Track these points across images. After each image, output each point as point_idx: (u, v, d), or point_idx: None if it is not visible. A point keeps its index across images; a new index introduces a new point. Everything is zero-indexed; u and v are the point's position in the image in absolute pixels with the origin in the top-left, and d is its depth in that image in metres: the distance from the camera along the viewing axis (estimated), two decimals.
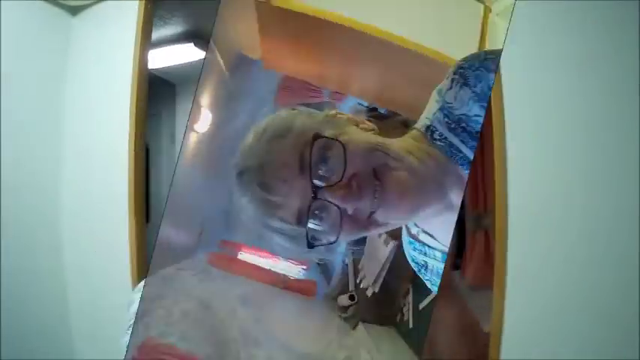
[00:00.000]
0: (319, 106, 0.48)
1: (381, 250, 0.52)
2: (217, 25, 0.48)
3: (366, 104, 0.50)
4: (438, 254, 0.50)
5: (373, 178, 0.44)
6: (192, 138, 0.51)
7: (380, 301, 0.53)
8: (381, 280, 0.52)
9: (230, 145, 0.50)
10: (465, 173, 0.49)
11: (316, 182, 0.44)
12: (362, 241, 0.53)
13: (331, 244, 0.45)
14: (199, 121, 0.50)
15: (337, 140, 0.44)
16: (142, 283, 0.66)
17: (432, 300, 0.50)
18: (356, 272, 0.53)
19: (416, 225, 0.53)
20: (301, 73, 0.49)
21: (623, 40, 1.20)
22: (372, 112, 0.50)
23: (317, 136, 0.44)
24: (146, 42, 1.58)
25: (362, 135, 0.48)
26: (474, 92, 0.48)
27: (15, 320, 1.46)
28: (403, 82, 0.52)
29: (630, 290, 1.13)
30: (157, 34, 1.66)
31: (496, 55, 0.50)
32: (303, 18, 0.50)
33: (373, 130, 0.48)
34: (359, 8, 0.51)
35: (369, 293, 0.52)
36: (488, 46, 0.51)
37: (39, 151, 1.67)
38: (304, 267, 0.52)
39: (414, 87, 0.51)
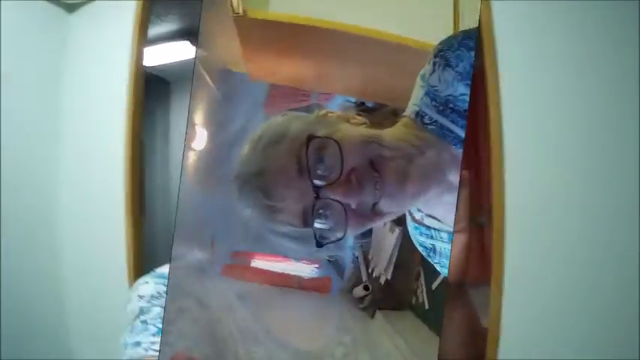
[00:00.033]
0: (309, 109, 0.50)
1: (388, 239, 0.54)
2: (200, 45, 0.49)
3: (353, 100, 0.51)
4: (444, 235, 0.52)
5: (371, 170, 0.45)
6: (192, 156, 0.52)
7: (394, 287, 0.54)
8: (392, 267, 0.53)
9: (229, 159, 0.52)
10: (460, 152, 0.51)
11: (316, 182, 0.45)
12: (368, 233, 0.54)
13: (339, 240, 0.47)
14: (196, 139, 0.51)
15: (331, 139, 0.45)
16: (140, 281, 0.69)
17: (444, 280, 0.51)
18: (367, 263, 0.54)
19: (419, 210, 0.54)
20: (287, 79, 0.50)
21: (623, 40, 1.21)
22: (361, 107, 0.51)
23: (311, 137, 0.46)
24: (143, 40, 1.58)
25: (354, 130, 0.49)
26: (457, 72, 0.49)
27: (13, 320, 1.46)
28: (385, 73, 0.53)
29: (630, 290, 1.14)
30: (152, 32, 1.66)
31: (473, 33, 0.52)
32: (281, 26, 0.51)
33: (364, 123, 0.50)
34: (333, 9, 0.52)
35: (382, 281, 0.53)
36: (463, 27, 0.52)
37: (36, 149, 1.66)
38: (316, 265, 0.53)
39: (397, 76, 0.53)
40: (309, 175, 0.44)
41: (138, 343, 0.58)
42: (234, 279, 0.56)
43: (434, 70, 0.50)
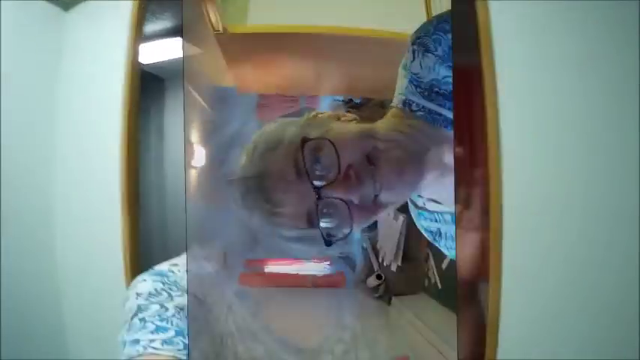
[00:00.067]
0: (299, 113, 0.51)
1: (394, 227, 0.55)
2: (186, 66, 0.51)
3: (341, 98, 0.52)
4: (448, 217, 0.52)
5: (368, 164, 0.46)
6: (193, 173, 0.54)
7: (405, 272, 0.55)
8: (401, 253, 0.54)
9: (229, 172, 0.53)
10: (450, 133, 0.51)
11: (316, 183, 0.46)
12: (374, 225, 0.56)
13: (347, 236, 0.48)
14: (194, 157, 0.53)
15: (325, 139, 0.46)
16: (138, 278, 0.67)
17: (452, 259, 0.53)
18: (376, 253, 0.55)
19: (420, 196, 0.55)
20: (274, 87, 0.51)
21: (623, 40, 1.20)
22: (349, 104, 0.52)
23: (305, 140, 0.47)
24: (139, 38, 1.57)
25: (346, 127, 0.50)
26: (436, 56, 0.50)
27: (11, 320, 1.44)
28: (368, 68, 0.54)
29: (630, 290, 1.13)
30: (147, 29, 1.64)
31: (447, 16, 0.53)
32: (262, 37, 0.52)
33: (355, 119, 0.51)
34: (309, 14, 0.53)
35: (393, 268, 0.54)
36: (436, 12, 0.53)
37: (31, 148, 1.63)
38: (328, 263, 0.54)
39: (380, 69, 0.54)
40: (308, 177, 0.45)
41: (136, 341, 0.56)
42: (252, 286, 0.57)
43: (414, 58, 0.51)
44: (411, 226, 0.55)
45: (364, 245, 0.53)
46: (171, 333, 0.57)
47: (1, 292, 1.45)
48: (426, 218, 0.54)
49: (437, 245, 0.53)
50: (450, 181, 0.50)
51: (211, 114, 0.53)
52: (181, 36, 0.49)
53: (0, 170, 1.51)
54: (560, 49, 1.27)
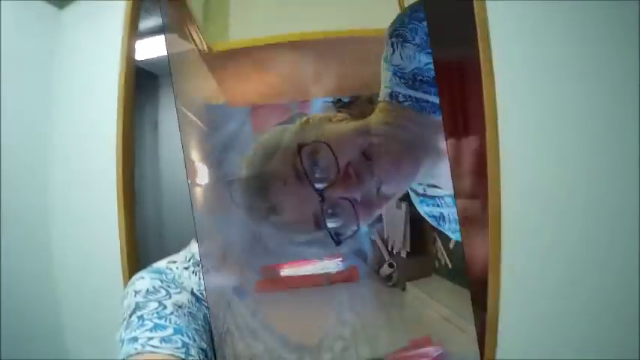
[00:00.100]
0: (292, 120, 0.53)
1: (398, 215, 0.57)
2: (177, 89, 0.52)
3: (330, 99, 0.53)
4: (448, 199, 0.54)
5: (365, 160, 0.48)
6: (198, 190, 0.55)
7: (416, 257, 0.57)
8: (408, 239, 0.56)
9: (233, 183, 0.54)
10: (439, 118, 0.53)
11: (318, 186, 0.48)
12: (379, 217, 0.57)
13: (355, 233, 0.50)
14: (198, 175, 0.54)
15: (320, 142, 0.48)
16: (136, 276, 0.67)
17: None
18: (385, 243, 0.57)
19: (420, 184, 0.57)
20: (264, 98, 0.53)
21: (623, 41, 1.22)
22: (339, 104, 0.54)
23: (301, 145, 0.48)
24: (134, 35, 1.58)
25: (339, 127, 0.52)
26: (415, 45, 0.51)
27: (10, 320, 1.45)
28: (351, 66, 0.56)
29: (630, 290, 1.15)
30: (141, 26, 1.65)
31: (419, 4, 0.54)
32: (246, 50, 0.54)
33: (346, 118, 0.52)
34: (287, 22, 0.55)
35: (403, 255, 0.56)
36: (408, 2, 0.54)
37: (27, 144, 1.65)
38: (340, 259, 0.55)
39: (363, 67, 0.56)
40: (309, 181, 0.47)
41: (134, 339, 0.56)
42: (270, 292, 0.59)
43: (394, 51, 0.52)
44: (414, 212, 0.57)
45: (372, 237, 0.55)
46: (170, 331, 0.56)
47: (0, 291, 1.44)
48: (428, 204, 0.56)
49: (441, 229, 0.54)
50: (445, 164, 0.51)
51: (207, 132, 0.54)
52: (168, 65, 0.51)
53: None
54: (560, 50, 1.28)
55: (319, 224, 0.48)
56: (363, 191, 0.47)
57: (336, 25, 0.51)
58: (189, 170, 0.53)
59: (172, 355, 0.53)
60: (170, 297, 0.62)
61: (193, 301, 0.65)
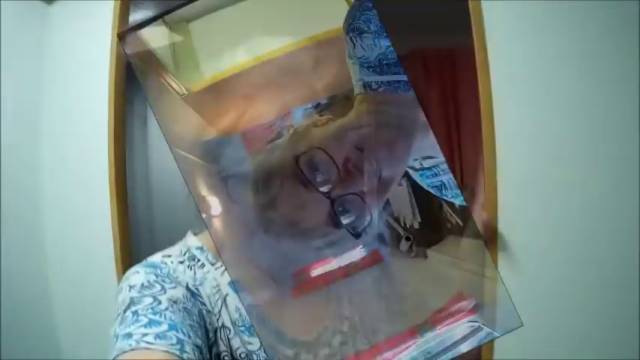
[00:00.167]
0: (280, 135, 0.56)
1: (401, 192, 0.60)
2: (167, 136, 0.55)
3: (310, 105, 0.57)
4: (444, 166, 0.57)
5: (360, 152, 0.51)
6: (216, 222, 0.58)
7: (429, 224, 0.61)
8: (417, 210, 0.59)
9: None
10: (412, 93, 0.56)
11: (323, 189, 0.51)
12: (387, 200, 0.60)
13: (371, 222, 0.53)
14: (211, 208, 0.57)
15: (313, 148, 0.51)
16: (130, 270, 0.67)
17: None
18: (397, 220, 0.61)
19: (415, 159, 0.60)
20: (250, 121, 0.56)
21: (623, 40, 1.22)
22: (318, 107, 0.57)
23: (297, 157, 0.52)
24: (123, 28, 1.56)
25: (326, 129, 0.55)
26: (372, 33, 0.53)
27: (8, 320, 1.46)
28: (321, 70, 0.59)
29: (629, 288, 1.15)
30: (131, 19, 1.63)
31: None
32: (223, 82, 0.57)
33: (330, 119, 0.56)
34: (253, 45, 0.58)
35: (416, 226, 0.60)
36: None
37: (17, 141, 1.64)
38: (361, 247, 0.59)
39: (331, 67, 0.59)
40: (315, 188, 0.50)
41: (129, 335, 0.55)
42: (306, 295, 0.62)
43: (354, 45, 0.55)
44: (415, 185, 0.60)
45: (385, 218, 0.59)
46: (165, 327, 0.56)
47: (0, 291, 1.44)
48: (427, 176, 0.59)
49: (445, 198, 0.57)
50: (430, 133, 0.54)
51: (209, 167, 0.57)
52: (154, 115, 0.54)
53: None
54: (560, 49, 1.29)
55: (335, 223, 0.51)
56: (366, 182, 0.50)
57: (297, 37, 0.54)
58: (201, 206, 0.56)
59: (167, 351, 0.53)
60: (165, 292, 0.62)
61: (188, 296, 0.65)
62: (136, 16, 1.59)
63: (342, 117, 0.54)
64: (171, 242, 0.76)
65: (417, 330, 0.55)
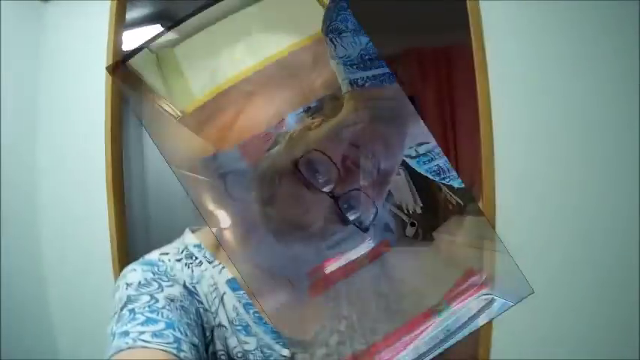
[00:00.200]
0: (276, 142, 0.57)
1: (400, 180, 0.62)
2: (166, 157, 0.56)
3: (301, 110, 0.58)
4: (437, 149, 0.58)
5: (356, 148, 0.53)
6: (227, 234, 0.60)
7: (431, 208, 0.62)
8: (417, 196, 0.61)
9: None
10: (397, 85, 0.57)
11: (326, 189, 0.53)
12: (389, 193, 0.62)
13: (376, 215, 0.54)
14: (220, 221, 0.59)
15: (310, 150, 0.53)
16: (128, 268, 0.67)
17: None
18: (400, 208, 0.63)
19: (410, 147, 0.62)
20: (246, 132, 0.57)
21: (620, 40, 1.22)
22: (309, 111, 0.59)
23: (296, 162, 0.53)
24: (120, 27, 1.56)
25: (320, 130, 0.57)
26: (350, 31, 0.54)
27: (7, 319, 1.47)
28: (306, 75, 0.61)
29: (628, 287, 1.15)
30: (128, 17, 1.63)
31: None
32: (214, 99, 0.59)
33: (323, 120, 0.57)
34: (238, 60, 0.59)
35: (418, 211, 0.62)
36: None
37: (14, 141, 1.64)
38: (369, 238, 0.60)
39: (316, 70, 0.61)
40: (317, 189, 0.52)
41: (125, 333, 0.55)
42: (323, 292, 0.63)
43: (335, 45, 0.57)
44: (412, 172, 0.62)
45: (388, 208, 0.60)
46: (162, 325, 0.56)
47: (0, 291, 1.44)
48: (424, 162, 0.60)
49: (443, 182, 0.59)
50: (421, 122, 0.56)
51: (212, 182, 0.59)
52: (152, 140, 0.55)
53: None
54: (559, 49, 1.29)
55: (342, 220, 0.53)
56: (366, 177, 0.52)
57: (284, 43, 0.56)
58: (209, 221, 0.58)
59: (164, 350, 0.53)
60: (162, 290, 0.62)
61: (185, 294, 0.65)
62: (132, 14, 1.58)
63: (333, 117, 0.56)
64: (168, 242, 0.76)
65: (434, 310, 0.56)
